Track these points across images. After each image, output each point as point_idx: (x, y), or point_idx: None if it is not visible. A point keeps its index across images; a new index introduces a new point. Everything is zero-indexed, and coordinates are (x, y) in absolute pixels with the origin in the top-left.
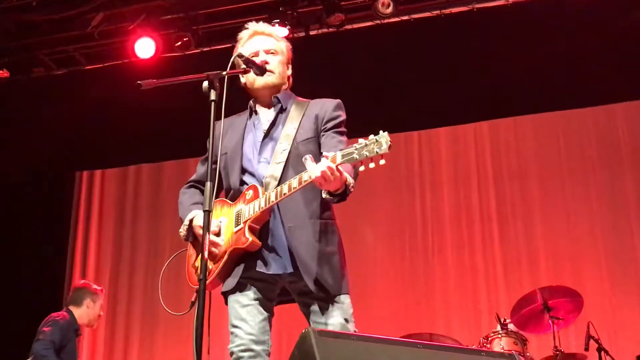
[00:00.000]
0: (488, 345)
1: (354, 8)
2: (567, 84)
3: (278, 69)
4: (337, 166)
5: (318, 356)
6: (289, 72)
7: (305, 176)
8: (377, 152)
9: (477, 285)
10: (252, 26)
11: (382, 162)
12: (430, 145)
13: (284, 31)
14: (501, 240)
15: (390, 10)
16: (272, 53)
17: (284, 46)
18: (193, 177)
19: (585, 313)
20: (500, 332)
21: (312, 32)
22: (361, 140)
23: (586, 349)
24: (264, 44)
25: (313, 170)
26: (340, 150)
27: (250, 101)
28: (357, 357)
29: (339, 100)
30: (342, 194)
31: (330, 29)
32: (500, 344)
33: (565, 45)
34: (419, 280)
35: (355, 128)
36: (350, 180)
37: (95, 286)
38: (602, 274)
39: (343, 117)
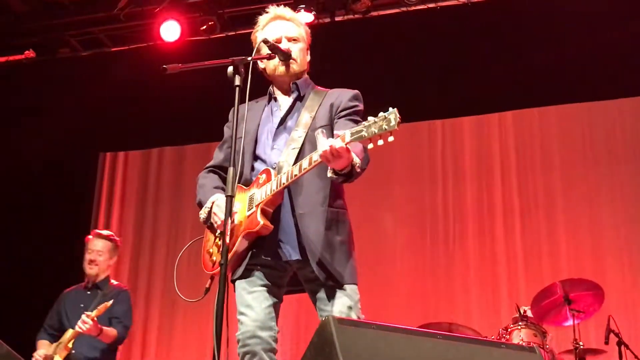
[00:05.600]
0: (507, 337)
1: None
2: (594, 75)
3: (299, 57)
4: (346, 144)
5: (337, 344)
6: (308, 58)
7: (315, 156)
8: (385, 129)
9: (498, 276)
10: (273, 10)
11: (390, 139)
12: (453, 134)
13: (309, 17)
14: (523, 232)
15: None
16: (294, 40)
17: (304, 32)
18: (211, 163)
19: (606, 306)
20: (520, 323)
21: (337, 18)
22: (370, 118)
23: (606, 343)
24: (287, 30)
25: (322, 144)
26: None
27: (270, 87)
28: (376, 346)
29: (356, 91)
30: (347, 174)
31: (356, 16)
32: (520, 336)
33: (592, 36)
34: (439, 269)
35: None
36: (356, 160)
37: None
38: (624, 267)
39: (359, 107)
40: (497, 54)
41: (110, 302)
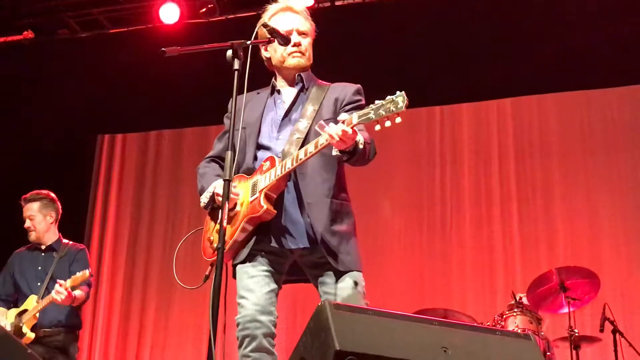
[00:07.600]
0: (502, 323)
1: None
2: (593, 63)
3: (308, 52)
4: (352, 127)
5: (333, 329)
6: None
7: (321, 139)
8: (393, 111)
9: (494, 263)
10: (284, 1)
11: (398, 120)
12: (452, 120)
13: (310, 1)
14: (520, 219)
15: None
16: (304, 34)
17: (311, 26)
18: (211, 153)
19: (601, 294)
20: (515, 310)
21: (337, 3)
22: (377, 101)
23: (601, 331)
24: (299, 24)
25: (330, 128)
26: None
27: (273, 79)
28: (372, 331)
29: (359, 86)
30: (352, 152)
31: (356, 0)
32: (515, 322)
33: (592, 24)
34: (435, 255)
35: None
36: (359, 137)
37: None
38: (621, 256)
39: (362, 101)
40: (496, 41)
41: (88, 271)
